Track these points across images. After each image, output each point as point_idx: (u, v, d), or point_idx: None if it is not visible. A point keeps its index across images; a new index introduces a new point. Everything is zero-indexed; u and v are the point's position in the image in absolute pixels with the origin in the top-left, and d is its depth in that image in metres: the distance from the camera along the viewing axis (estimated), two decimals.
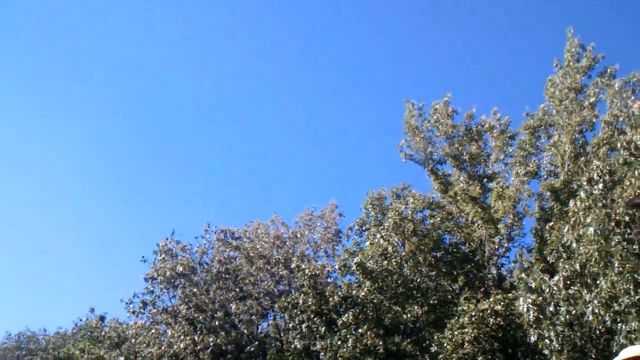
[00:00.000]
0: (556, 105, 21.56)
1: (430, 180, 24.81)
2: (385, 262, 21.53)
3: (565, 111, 21.08)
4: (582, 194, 15.48)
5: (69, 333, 40.73)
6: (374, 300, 21.02)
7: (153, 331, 27.45)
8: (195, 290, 27.30)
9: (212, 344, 25.16)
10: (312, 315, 21.76)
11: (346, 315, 20.77)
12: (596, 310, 13.32)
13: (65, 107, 70.08)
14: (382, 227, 22.53)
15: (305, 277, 22.58)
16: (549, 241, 17.68)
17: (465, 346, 18.00)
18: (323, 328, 21.44)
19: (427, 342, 19.84)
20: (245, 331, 26.49)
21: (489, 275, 21.63)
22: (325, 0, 66.73)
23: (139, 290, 27.77)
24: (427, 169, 24.85)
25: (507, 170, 22.70)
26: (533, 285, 15.06)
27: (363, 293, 21.14)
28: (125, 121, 69.34)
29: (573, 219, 15.23)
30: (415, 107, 25.75)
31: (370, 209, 24.84)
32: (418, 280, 21.43)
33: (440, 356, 18.48)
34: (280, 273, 27.61)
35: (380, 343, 19.77)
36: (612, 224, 14.22)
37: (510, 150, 22.94)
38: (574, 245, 14.86)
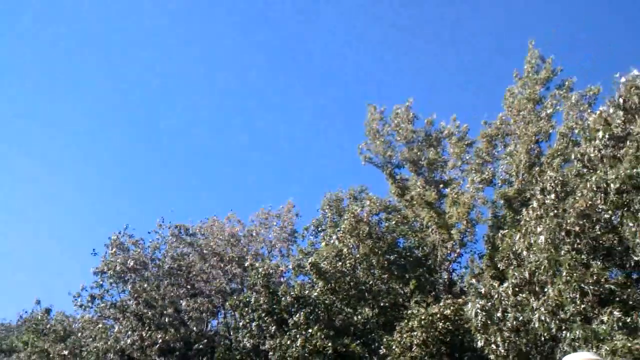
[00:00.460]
0: (514, 115, 21.86)
1: (387, 184, 24.94)
2: (339, 263, 21.52)
3: (523, 121, 21.38)
4: (535, 204, 15.68)
5: (14, 325, 39.67)
6: (326, 301, 20.98)
7: (100, 326, 26.86)
8: (145, 285, 26.80)
9: (160, 340, 24.71)
10: (263, 314, 21.60)
11: (297, 315, 20.66)
12: (542, 318, 13.47)
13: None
14: (337, 228, 22.54)
15: (259, 276, 22.40)
16: (500, 248, 17.87)
17: (413, 349, 18.05)
18: (273, 327, 21.29)
19: (376, 344, 19.85)
20: (195, 329, 26.12)
21: (440, 280, 21.81)
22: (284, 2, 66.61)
23: (88, 284, 27.16)
24: (386, 173, 24.96)
25: (463, 177, 22.94)
26: (482, 290, 15.18)
27: (315, 294, 21.08)
28: (79, 108, 67.91)
29: (525, 228, 15.41)
30: (376, 110, 25.86)
31: (327, 210, 24.84)
32: (370, 283, 21.44)
33: (389, 359, 18.50)
34: (234, 271, 27.30)
35: (330, 344, 19.69)
36: (563, 233, 14.43)
37: (467, 158, 23.18)
38: (525, 253, 15.03)
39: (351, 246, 21.83)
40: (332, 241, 22.28)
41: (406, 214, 23.01)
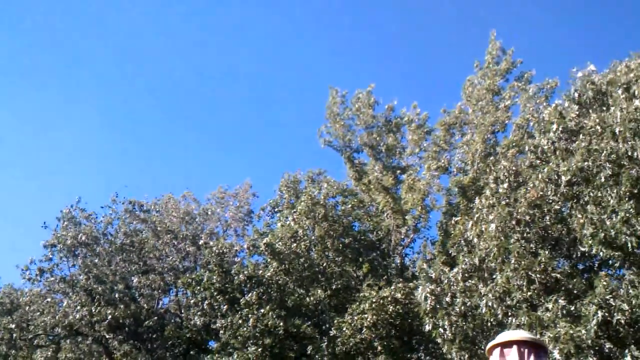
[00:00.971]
0: (472, 105, 22.14)
1: (346, 168, 25.07)
2: (294, 244, 21.55)
3: (481, 111, 21.68)
4: (488, 192, 15.93)
5: None
6: (279, 282, 21.02)
7: (49, 300, 26.43)
8: (96, 260, 26.45)
9: (109, 316, 24.45)
10: (215, 293, 21.54)
11: (250, 294, 20.66)
12: (490, 304, 13.72)
13: None
14: (294, 210, 22.54)
15: (212, 255, 22.32)
16: (452, 235, 18.13)
17: (363, 331, 18.26)
18: (225, 306, 21.24)
19: (327, 325, 20.00)
20: (145, 305, 25.90)
21: (393, 264, 22.06)
22: None
23: (37, 257, 26.65)
24: (344, 157, 25.09)
25: (420, 164, 23.17)
26: (433, 275, 15.40)
27: (269, 274, 21.08)
28: (28, 72, 66.07)
29: (477, 215, 15.64)
30: (338, 94, 25.92)
31: (284, 191, 24.83)
32: (324, 265, 21.56)
33: (339, 340, 18.68)
34: (187, 249, 27.15)
35: (281, 324, 19.77)
36: (513, 222, 14.68)
37: (425, 145, 23.41)
38: (475, 240, 15.26)
39: (307, 228, 21.89)
40: (287, 222, 22.28)
41: (362, 198, 23.17)
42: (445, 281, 15.11)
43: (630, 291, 12.61)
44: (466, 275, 14.98)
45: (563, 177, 14.59)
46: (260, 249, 21.89)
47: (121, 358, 25.04)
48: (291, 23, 65.05)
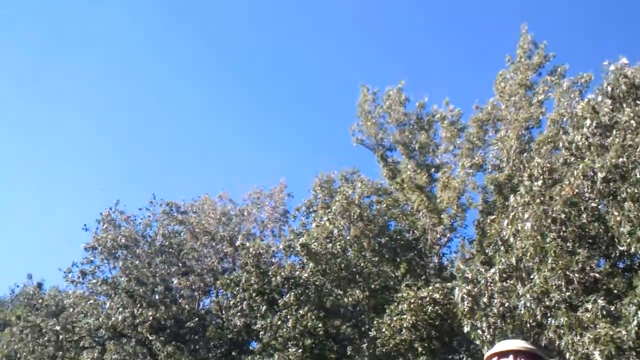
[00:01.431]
0: (505, 100, 21.95)
1: (379, 166, 25.10)
2: (330, 245, 21.67)
3: (514, 107, 21.49)
4: (522, 190, 15.86)
5: (7, 299, 39.83)
6: (316, 282, 21.19)
7: (92, 302, 27.05)
8: (136, 262, 27.00)
9: (151, 317, 24.97)
10: (253, 294, 21.81)
11: (288, 295, 20.89)
12: (528, 304, 13.68)
13: None
14: (329, 210, 22.66)
15: (250, 256, 22.57)
16: (488, 234, 18.09)
17: (403, 332, 18.33)
18: (264, 307, 21.51)
19: (367, 326, 20.13)
20: (186, 307, 26.36)
21: (431, 264, 22.06)
22: None
23: (79, 259, 27.30)
24: (377, 155, 25.12)
25: (455, 162, 23.08)
26: (469, 276, 15.42)
27: (306, 274, 21.27)
28: (71, 84, 67.33)
29: (512, 214, 15.58)
30: (369, 92, 25.93)
31: (318, 191, 24.97)
32: (361, 265, 21.65)
33: (378, 341, 18.78)
34: (225, 250, 27.54)
35: (320, 325, 19.99)
36: (549, 221, 14.60)
37: (459, 142, 23.30)
38: (511, 239, 15.22)
39: (342, 228, 21.99)
40: (323, 222, 22.40)
41: (397, 197, 23.20)
42: (483, 281, 15.11)
43: None
44: (503, 275, 14.96)
45: (599, 174, 14.42)
46: (296, 249, 22.08)
47: (165, 359, 25.52)
48: (321, 22, 65.13)
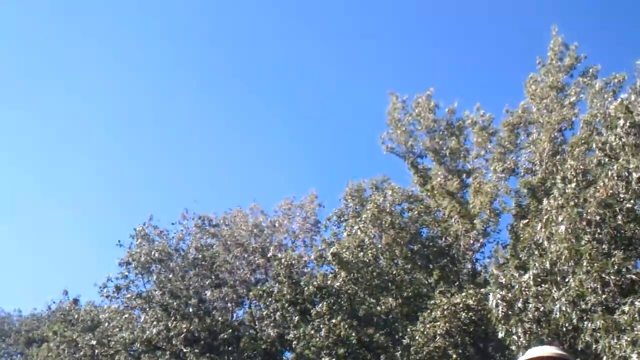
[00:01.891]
0: (537, 103, 21.64)
1: (410, 174, 24.94)
2: (362, 253, 21.56)
3: (546, 109, 21.16)
4: (556, 192, 15.58)
5: (44, 315, 40.47)
6: (349, 291, 21.07)
7: (126, 316, 27.32)
8: (170, 276, 27.19)
9: (185, 330, 25.07)
10: (286, 304, 21.80)
11: (320, 305, 20.80)
12: (563, 308, 13.41)
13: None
14: (360, 218, 22.56)
15: (282, 267, 22.58)
16: (522, 238, 17.79)
17: (437, 339, 18.09)
18: (297, 317, 21.49)
19: (400, 334, 19.92)
20: (220, 319, 26.42)
21: (464, 270, 21.77)
22: None
23: (113, 274, 27.61)
24: (408, 162, 24.97)
25: (486, 167, 22.79)
26: (503, 281, 15.16)
27: (338, 284, 21.16)
28: (102, 97, 68.49)
29: (546, 217, 15.31)
30: (398, 100, 25.83)
31: (349, 200, 24.89)
32: (393, 273, 21.48)
33: (412, 348, 18.57)
34: (257, 262, 27.59)
35: (353, 334, 19.84)
36: (583, 223, 14.30)
37: (490, 147, 23.02)
38: (546, 243, 14.94)
39: (373, 236, 21.87)
40: (354, 231, 22.31)
41: (429, 204, 23.00)
42: (517, 286, 14.84)
43: None
44: (538, 279, 14.68)
45: (634, 174, 14.12)
46: (328, 259, 22.00)
47: None
48: (350, 32, 65.24)
